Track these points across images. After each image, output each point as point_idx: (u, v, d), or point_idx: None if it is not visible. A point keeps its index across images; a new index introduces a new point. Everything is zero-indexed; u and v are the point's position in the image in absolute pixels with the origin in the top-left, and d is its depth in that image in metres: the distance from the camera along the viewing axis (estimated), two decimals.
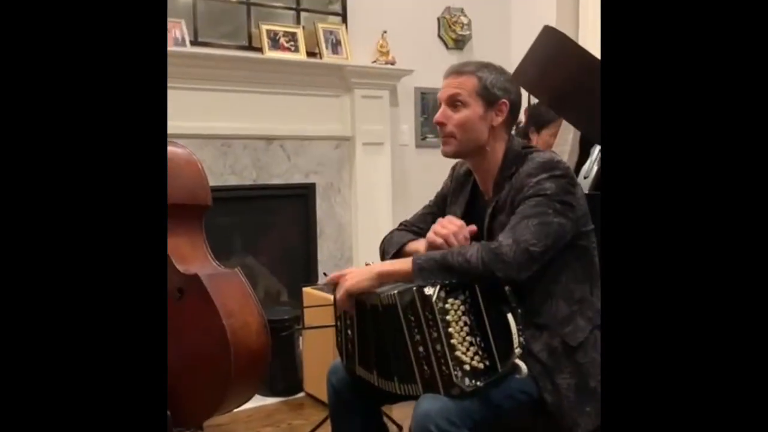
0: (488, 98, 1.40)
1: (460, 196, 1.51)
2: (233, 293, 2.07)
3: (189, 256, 2.11)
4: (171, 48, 2.95)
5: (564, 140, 2.00)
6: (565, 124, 2.05)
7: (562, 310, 1.32)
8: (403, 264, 1.30)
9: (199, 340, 1.97)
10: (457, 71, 1.43)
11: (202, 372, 1.98)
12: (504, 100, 1.40)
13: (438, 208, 1.56)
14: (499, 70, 1.44)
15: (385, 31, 3.60)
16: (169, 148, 2.14)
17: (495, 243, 1.26)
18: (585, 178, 1.78)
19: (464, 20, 3.95)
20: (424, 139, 3.91)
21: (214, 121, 3.13)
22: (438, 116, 1.43)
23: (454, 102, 1.41)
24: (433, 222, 1.42)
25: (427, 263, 1.26)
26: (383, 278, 1.32)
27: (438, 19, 3.90)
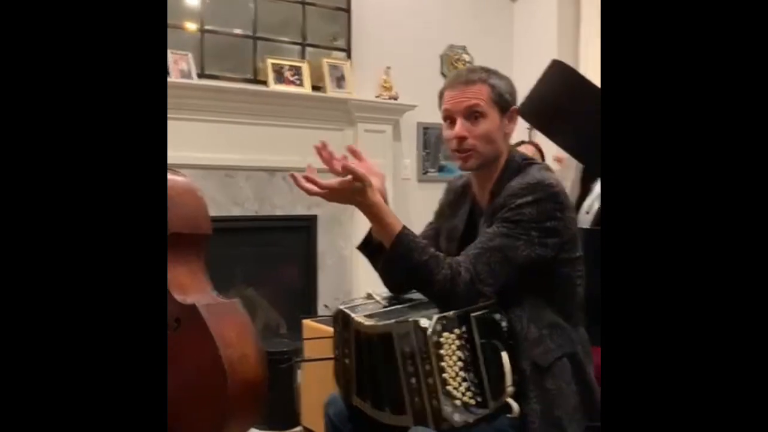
0: (502, 105, 1.35)
1: (460, 209, 1.48)
2: (232, 324, 2.05)
3: (188, 285, 2.10)
4: (178, 80, 2.99)
5: (565, 177, 2.02)
6: (567, 162, 2.07)
7: (533, 333, 1.28)
8: (390, 232, 1.26)
9: (196, 371, 1.96)
10: (465, 80, 1.35)
11: (199, 403, 1.96)
12: (515, 107, 1.38)
13: (437, 225, 1.54)
14: (503, 75, 1.39)
15: (388, 67, 3.66)
16: (169, 176, 2.15)
17: (460, 274, 1.23)
18: (587, 213, 1.79)
19: (466, 58, 4.02)
20: (425, 173, 3.93)
21: (218, 152, 3.16)
22: (459, 130, 1.34)
23: (473, 114, 1.34)
24: (436, 236, 1.44)
25: (397, 261, 1.25)
26: (374, 218, 1.27)
27: (440, 56, 3.96)
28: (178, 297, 2.01)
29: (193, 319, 1.96)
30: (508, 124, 1.39)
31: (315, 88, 3.44)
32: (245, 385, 1.97)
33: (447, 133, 1.39)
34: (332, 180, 1.26)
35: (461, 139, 1.35)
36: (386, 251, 1.29)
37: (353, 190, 1.25)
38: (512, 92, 1.39)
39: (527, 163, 1.38)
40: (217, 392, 1.92)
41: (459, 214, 1.48)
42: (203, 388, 1.94)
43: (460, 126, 1.35)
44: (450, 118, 1.38)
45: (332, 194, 1.26)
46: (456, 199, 1.52)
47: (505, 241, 1.26)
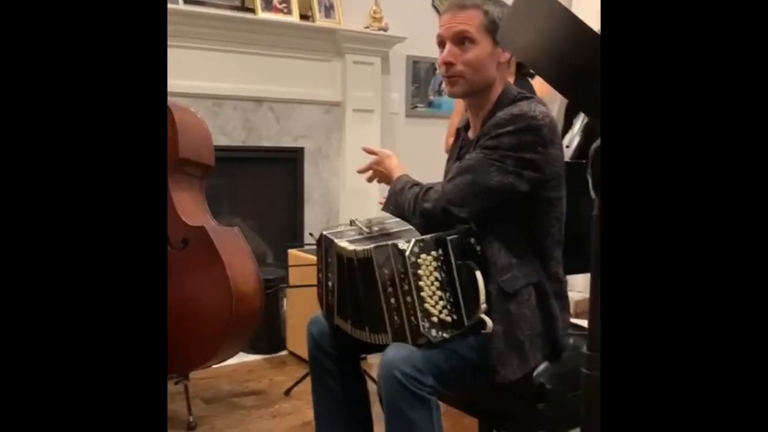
0: (496, 33, 1.32)
1: (456, 145, 1.53)
2: (234, 249, 2.13)
3: (192, 210, 2.18)
4: None
5: (549, 109, 2.03)
6: (550, 96, 2.08)
7: (502, 260, 1.31)
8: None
9: (203, 289, 2.04)
10: (459, 4, 1.35)
11: (203, 320, 2.04)
12: None
13: (448, 166, 1.58)
14: (501, 3, 1.36)
15: None
16: (181, 105, 2.19)
17: (430, 191, 1.35)
18: (567, 147, 1.82)
19: None
20: (414, 108, 3.92)
21: (205, 80, 3.13)
22: (446, 55, 1.35)
23: (462, 39, 1.34)
24: None
25: (392, 194, 1.45)
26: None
27: None
28: (185, 219, 2.08)
29: (201, 239, 2.04)
30: (502, 53, 1.36)
31: (303, 17, 3.38)
32: (247, 305, 2.07)
33: (439, 58, 1.39)
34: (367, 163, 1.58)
35: (449, 64, 1.36)
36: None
37: (378, 162, 1.54)
38: None
39: (522, 96, 1.37)
40: (222, 309, 2.01)
41: (454, 149, 1.53)
42: (209, 305, 2.03)
43: (448, 51, 1.35)
44: (442, 43, 1.38)
45: (374, 172, 1.56)
46: (458, 139, 1.54)
47: (478, 165, 1.30)
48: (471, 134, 1.46)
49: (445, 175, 1.49)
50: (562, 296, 1.41)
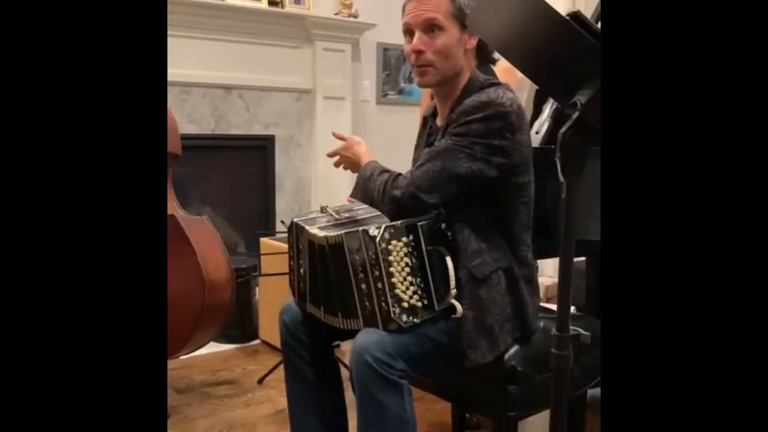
0: (463, 20, 1.33)
1: (424, 132, 1.53)
2: (204, 237, 2.11)
3: None
4: None
5: (518, 97, 2.05)
6: (519, 83, 2.10)
7: (472, 245, 1.32)
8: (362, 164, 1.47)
9: (174, 279, 2.01)
10: None
11: (174, 309, 2.01)
12: None
13: (417, 154, 1.56)
14: None
15: None
16: None
17: (398, 178, 1.35)
18: (536, 133, 1.84)
19: None
20: (385, 96, 3.92)
21: (172, 67, 3.07)
22: (416, 43, 1.34)
23: (431, 27, 1.33)
24: None
25: (358, 183, 1.45)
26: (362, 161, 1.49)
27: None
28: None
29: (171, 228, 2.01)
30: (468, 39, 1.37)
31: (272, 3, 3.35)
32: (218, 295, 2.06)
33: (406, 47, 1.39)
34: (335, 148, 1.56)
35: (418, 53, 1.35)
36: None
37: (346, 148, 1.52)
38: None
39: (489, 83, 1.37)
40: (194, 299, 1.99)
41: (422, 137, 1.53)
42: (181, 294, 2.01)
43: (418, 39, 1.35)
44: (409, 32, 1.38)
45: (341, 157, 1.54)
46: (425, 126, 1.54)
47: (447, 153, 1.30)
48: (439, 121, 1.47)
49: (414, 163, 1.50)
50: (532, 281, 1.43)
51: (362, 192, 1.44)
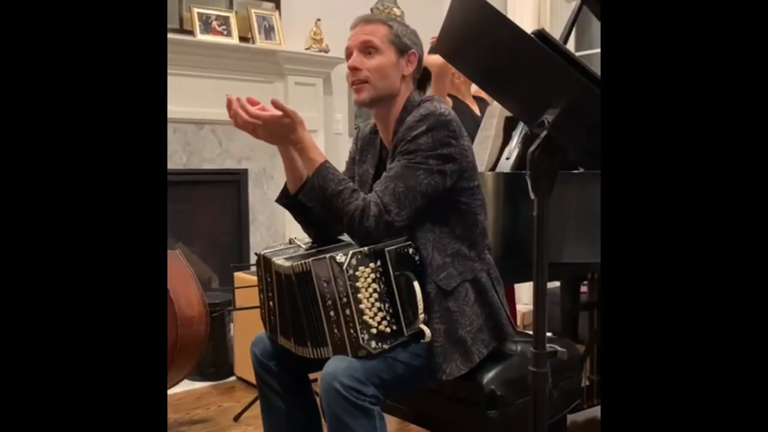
0: (400, 47, 1.41)
1: (369, 154, 1.52)
2: (176, 272, 2.07)
3: None
4: None
5: (488, 125, 2.08)
6: (489, 111, 2.13)
7: (437, 260, 1.35)
8: (311, 164, 1.35)
9: None
10: (365, 20, 1.43)
11: None
12: (413, 50, 1.42)
13: (351, 173, 1.56)
14: (407, 26, 1.45)
15: (318, 19, 3.62)
16: None
17: (369, 207, 1.28)
18: (507, 159, 1.86)
19: (397, 12, 4.02)
20: (357, 128, 3.95)
21: None
22: (352, 61, 1.40)
23: (367, 48, 1.40)
24: (353, 180, 1.47)
25: (315, 190, 1.34)
26: (302, 153, 1.36)
27: (371, 9, 3.95)
28: None
29: None
30: (405, 66, 1.42)
31: (243, 39, 3.38)
32: (191, 331, 2.02)
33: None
34: (263, 112, 1.31)
35: (355, 69, 1.40)
36: (308, 180, 1.38)
37: (282, 125, 1.32)
38: (414, 39, 1.44)
39: (424, 99, 1.42)
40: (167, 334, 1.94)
41: (368, 158, 1.52)
42: None
43: (355, 58, 1.40)
44: (350, 54, 1.43)
45: (261, 128, 1.32)
46: (365, 145, 1.55)
47: (407, 172, 1.31)
48: (386, 143, 1.48)
49: (360, 178, 1.50)
50: (501, 282, 1.45)
51: (321, 204, 1.36)
